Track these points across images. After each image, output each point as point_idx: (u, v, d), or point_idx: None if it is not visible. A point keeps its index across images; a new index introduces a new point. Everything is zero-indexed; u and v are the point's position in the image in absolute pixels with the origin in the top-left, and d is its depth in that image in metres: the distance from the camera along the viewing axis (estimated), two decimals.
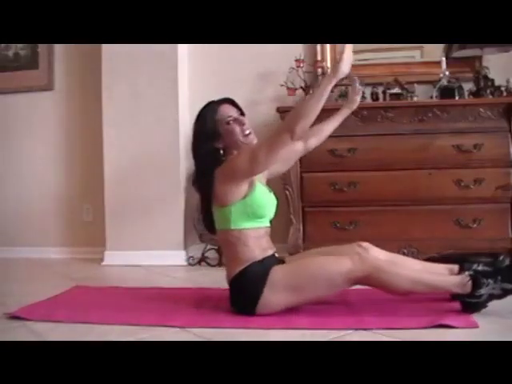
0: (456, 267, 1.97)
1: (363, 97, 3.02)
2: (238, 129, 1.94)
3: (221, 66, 3.45)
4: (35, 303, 2.15)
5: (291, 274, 1.88)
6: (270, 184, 2.10)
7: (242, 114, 2.00)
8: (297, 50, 3.20)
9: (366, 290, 1.94)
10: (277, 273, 1.87)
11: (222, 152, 1.95)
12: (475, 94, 2.92)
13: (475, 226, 2.71)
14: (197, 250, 3.23)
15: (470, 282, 1.80)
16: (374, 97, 3.04)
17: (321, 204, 2.87)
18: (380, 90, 3.03)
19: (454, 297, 1.89)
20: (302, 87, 3.14)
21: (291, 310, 1.88)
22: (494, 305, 1.84)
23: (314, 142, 2.21)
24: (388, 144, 2.80)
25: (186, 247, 3.25)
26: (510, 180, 2.72)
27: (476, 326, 1.68)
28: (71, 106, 3.69)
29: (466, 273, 1.86)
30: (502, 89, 2.87)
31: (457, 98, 2.86)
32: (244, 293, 1.88)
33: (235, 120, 1.94)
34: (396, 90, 2.99)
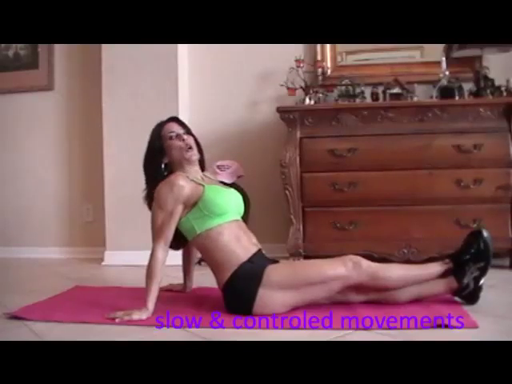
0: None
1: (363, 97, 3.04)
2: (178, 143, 2.04)
3: (221, 66, 3.45)
4: (35, 303, 2.15)
5: (287, 272, 1.90)
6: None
7: (189, 132, 2.10)
8: (297, 50, 3.20)
9: None
10: (272, 272, 1.88)
11: (163, 166, 2.07)
12: (475, 94, 2.92)
13: (475, 226, 2.70)
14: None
15: (453, 278, 1.93)
16: (374, 97, 3.04)
17: (321, 204, 2.87)
18: (380, 89, 3.04)
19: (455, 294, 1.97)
20: (301, 87, 3.14)
21: (291, 311, 1.89)
22: (493, 305, 1.83)
23: None
24: (388, 144, 2.80)
25: None
26: (510, 180, 2.72)
27: (476, 326, 1.68)
28: (71, 106, 3.70)
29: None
30: (502, 89, 2.87)
31: (457, 98, 2.86)
32: (239, 294, 1.88)
33: (177, 136, 2.05)
34: (396, 90, 2.99)
